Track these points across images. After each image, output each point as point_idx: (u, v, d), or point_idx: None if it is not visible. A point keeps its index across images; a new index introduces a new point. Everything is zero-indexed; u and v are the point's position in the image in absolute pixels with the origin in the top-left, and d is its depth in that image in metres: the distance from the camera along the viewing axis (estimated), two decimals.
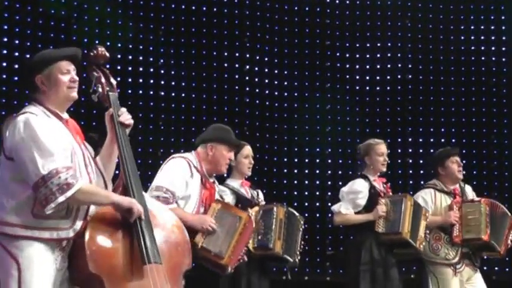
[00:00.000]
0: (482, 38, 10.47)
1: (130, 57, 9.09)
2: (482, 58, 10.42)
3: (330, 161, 9.84)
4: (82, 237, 3.80)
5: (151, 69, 9.19)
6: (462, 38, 10.41)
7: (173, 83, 9.29)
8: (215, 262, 5.19)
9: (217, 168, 5.37)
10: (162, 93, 9.19)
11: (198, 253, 5.09)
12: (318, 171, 9.79)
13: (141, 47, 9.16)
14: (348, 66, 10.16)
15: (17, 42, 8.14)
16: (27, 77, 3.97)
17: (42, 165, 3.67)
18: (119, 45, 8.99)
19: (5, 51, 8.14)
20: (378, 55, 10.22)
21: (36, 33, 8.46)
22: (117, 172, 4.09)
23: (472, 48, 10.42)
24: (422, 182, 7.18)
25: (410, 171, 9.84)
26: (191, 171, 5.22)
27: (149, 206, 4.01)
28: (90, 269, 3.74)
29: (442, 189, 6.91)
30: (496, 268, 9.62)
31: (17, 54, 8.32)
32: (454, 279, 6.73)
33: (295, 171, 9.70)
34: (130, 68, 9.05)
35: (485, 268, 8.38)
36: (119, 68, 8.92)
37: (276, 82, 9.82)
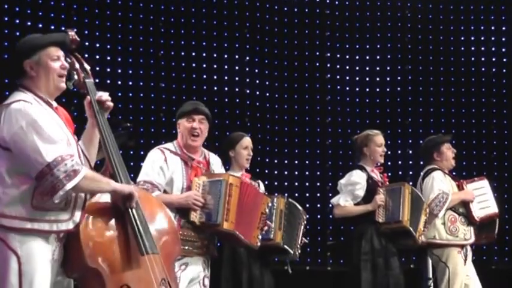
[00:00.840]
0: (482, 27, 10.48)
1: (130, 48, 9.09)
2: (482, 49, 10.42)
3: (330, 151, 9.83)
4: (77, 231, 3.77)
5: (152, 61, 9.17)
6: (462, 28, 10.43)
7: (174, 75, 9.27)
8: (219, 232, 5.14)
9: (187, 143, 5.25)
10: (163, 85, 9.18)
11: (205, 231, 5.09)
12: (318, 162, 9.78)
13: (141, 38, 9.16)
14: (347, 57, 10.15)
15: (17, 34, 8.14)
16: (15, 62, 3.85)
17: (46, 152, 3.60)
18: (119, 36, 9.01)
19: (6, 43, 8.14)
20: (378, 45, 10.22)
21: (36, 25, 8.45)
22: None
23: (472, 38, 10.42)
24: (422, 174, 7.18)
25: (410, 162, 9.84)
26: (165, 156, 5.15)
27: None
28: (87, 263, 3.73)
29: (444, 172, 6.97)
30: (495, 257, 9.67)
31: None
32: (463, 269, 6.78)
33: (296, 162, 9.69)
34: (130, 60, 9.05)
35: (484, 257, 8.47)
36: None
37: (276, 73, 9.80)
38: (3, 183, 3.67)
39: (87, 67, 4.09)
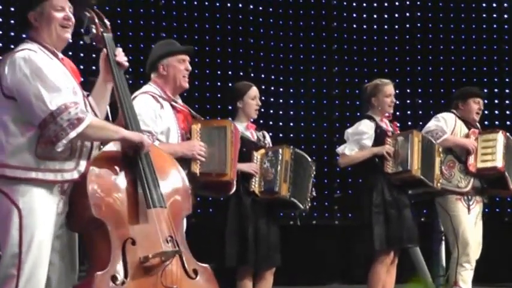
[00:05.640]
0: None
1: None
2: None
3: (337, 102, 9.75)
4: (84, 181, 3.74)
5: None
6: None
7: (174, 24, 9.24)
8: (219, 182, 4.97)
9: (178, 86, 4.91)
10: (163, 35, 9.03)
11: (200, 181, 4.83)
12: (325, 113, 9.71)
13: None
14: (354, 4, 10.01)
15: None
16: (20, 14, 3.91)
17: (50, 100, 3.61)
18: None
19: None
20: None
21: None
22: None
23: None
24: None
25: (420, 112, 9.66)
26: (159, 103, 4.81)
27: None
28: (92, 214, 3.70)
29: (462, 118, 6.78)
30: (509, 210, 9.58)
31: None
32: (468, 217, 6.61)
33: (302, 113, 9.61)
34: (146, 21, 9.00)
35: (497, 210, 8.36)
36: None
37: (280, 22, 9.71)
38: (7, 132, 3.66)
39: (107, 22, 4.12)
